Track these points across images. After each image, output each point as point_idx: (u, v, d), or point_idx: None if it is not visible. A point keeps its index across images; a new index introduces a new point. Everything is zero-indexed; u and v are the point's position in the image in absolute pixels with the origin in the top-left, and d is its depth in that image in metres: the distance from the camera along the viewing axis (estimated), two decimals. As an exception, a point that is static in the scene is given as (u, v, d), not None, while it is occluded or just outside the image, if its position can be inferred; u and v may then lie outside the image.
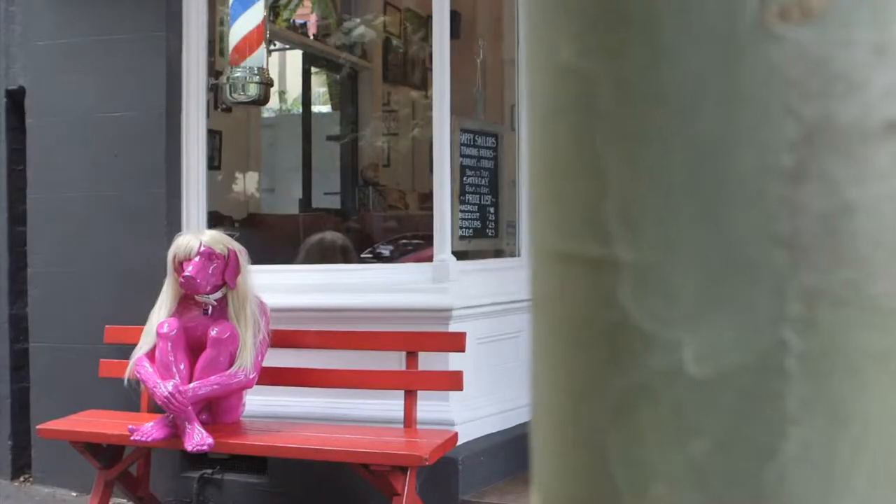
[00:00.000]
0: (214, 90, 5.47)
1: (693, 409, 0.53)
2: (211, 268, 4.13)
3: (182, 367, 4.14)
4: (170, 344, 4.11)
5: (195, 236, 4.21)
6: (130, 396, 4.65)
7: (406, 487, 3.85)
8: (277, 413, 4.61)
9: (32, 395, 5.25)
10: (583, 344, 0.55)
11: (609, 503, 0.54)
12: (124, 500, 4.75)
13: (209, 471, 4.78)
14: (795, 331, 0.52)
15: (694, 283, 0.52)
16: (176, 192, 4.97)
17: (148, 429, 4.10)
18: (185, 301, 4.26)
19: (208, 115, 5.14)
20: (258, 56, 4.84)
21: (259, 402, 4.66)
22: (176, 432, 4.08)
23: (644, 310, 0.53)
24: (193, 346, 4.20)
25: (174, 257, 4.19)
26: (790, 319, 0.52)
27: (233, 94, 4.84)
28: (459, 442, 4.23)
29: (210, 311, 4.22)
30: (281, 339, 4.51)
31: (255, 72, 4.84)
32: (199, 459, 4.76)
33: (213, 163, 5.48)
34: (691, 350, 0.53)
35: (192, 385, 4.07)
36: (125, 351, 4.71)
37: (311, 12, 7.95)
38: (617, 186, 0.53)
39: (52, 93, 5.18)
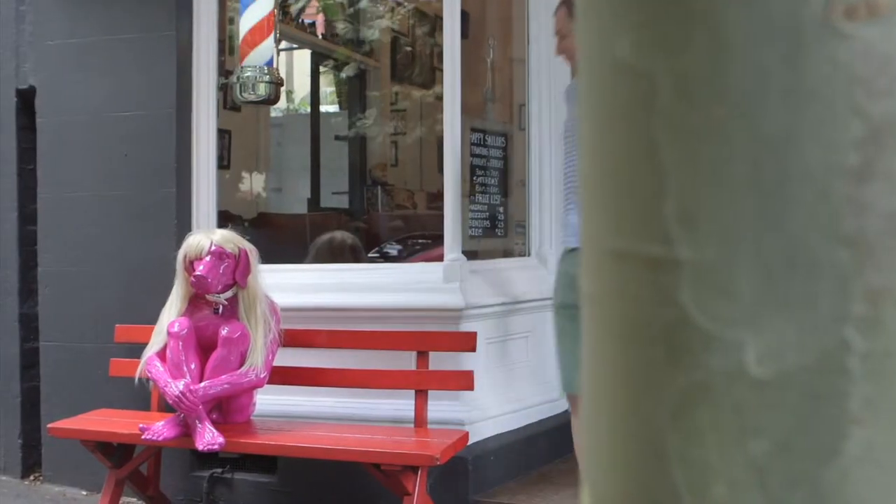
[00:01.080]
0: (224, 89, 5.47)
1: (754, 410, 0.52)
2: (222, 267, 4.13)
3: (193, 366, 4.14)
4: (180, 343, 4.11)
5: (206, 235, 4.21)
6: (141, 395, 4.66)
7: (417, 487, 3.85)
8: (288, 412, 4.61)
9: (43, 393, 5.26)
10: (641, 343, 0.55)
11: (668, 503, 0.54)
12: (134, 499, 4.75)
13: (219, 470, 4.79)
14: (859, 330, 0.52)
15: (755, 283, 0.52)
16: (186, 191, 4.97)
17: (159, 428, 4.10)
18: (196, 300, 4.26)
19: (218, 115, 5.14)
20: (267, 47, 4.82)
21: (269, 401, 4.65)
22: (187, 431, 4.08)
23: (704, 309, 0.53)
24: (204, 346, 4.20)
25: (185, 256, 4.19)
26: (853, 319, 0.52)
27: (243, 94, 4.83)
28: (470, 442, 4.23)
29: (220, 311, 4.22)
30: (291, 339, 4.50)
31: (265, 71, 4.84)
32: (209, 459, 4.76)
33: (222, 162, 5.48)
34: (753, 350, 0.52)
35: (202, 384, 4.07)
36: (135, 350, 4.71)
37: (318, 12, 7.95)
38: (676, 184, 0.52)
39: (63, 92, 5.19)
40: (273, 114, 7.36)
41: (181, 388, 3.99)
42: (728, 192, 0.52)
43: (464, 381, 4.24)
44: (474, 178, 5.07)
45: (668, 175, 0.53)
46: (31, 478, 5.37)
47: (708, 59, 0.51)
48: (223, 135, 5.42)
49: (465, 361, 4.40)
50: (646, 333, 0.54)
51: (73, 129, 5.15)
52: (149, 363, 4.17)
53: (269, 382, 4.34)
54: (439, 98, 7.75)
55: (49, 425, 4.52)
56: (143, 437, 4.10)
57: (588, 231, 0.58)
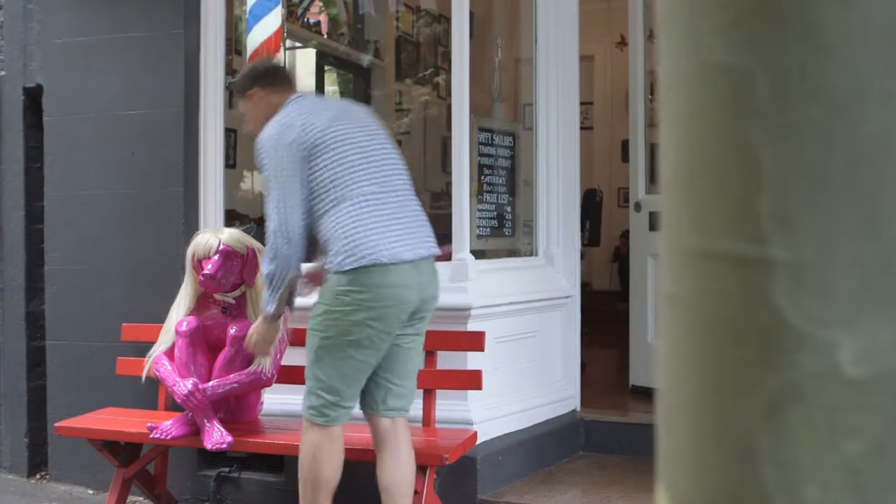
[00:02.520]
0: (230, 88, 5.46)
1: (848, 411, 0.52)
2: (230, 266, 4.13)
3: (201, 365, 4.14)
4: (189, 342, 4.11)
5: (214, 234, 4.21)
6: (148, 394, 4.66)
7: (425, 486, 3.85)
8: (295, 412, 4.55)
9: (49, 392, 5.24)
10: (731, 343, 0.54)
11: (757, 504, 0.54)
12: (141, 498, 4.75)
13: (226, 469, 4.78)
14: (956, 332, 0.52)
15: (852, 283, 0.52)
16: (193, 190, 4.97)
17: (167, 427, 4.10)
18: (204, 299, 4.26)
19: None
20: (276, 39, 4.82)
21: (277, 400, 4.65)
22: (195, 430, 4.08)
23: (799, 309, 0.52)
24: (212, 345, 4.20)
25: (193, 255, 4.19)
26: (951, 320, 0.52)
27: (250, 93, 4.80)
28: (478, 441, 4.22)
29: (229, 310, 4.22)
30: (299, 338, 4.49)
31: (273, 70, 4.82)
32: (216, 458, 4.76)
33: (228, 161, 5.46)
34: (848, 350, 0.52)
35: (211, 383, 4.08)
36: (142, 349, 4.71)
37: (320, 12, 7.94)
38: (771, 184, 0.52)
39: (70, 90, 5.18)
40: (278, 113, 7.33)
41: (189, 387, 3.99)
42: (825, 192, 0.52)
43: (472, 380, 4.23)
44: (482, 177, 5.06)
45: (763, 174, 0.52)
46: (38, 476, 5.36)
47: (806, 59, 0.51)
48: (228, 134, 5.40)
49: (471, 361, 4.40)
50: (736, 333, 0.54)
51: (81, 128, 5.15)
52: (157, 362, 4.18)
53: (277, 382, 4.34)
54: (443, 97, 7.76)
55: (56, 424, 4.52)
56: (151, 436, 4.10)
57: (672, 232, 0.57)
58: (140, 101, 5.00)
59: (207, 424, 4.04)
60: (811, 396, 0.53)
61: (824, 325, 0.52)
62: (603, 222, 8.46)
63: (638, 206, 5.79)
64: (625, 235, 9.17)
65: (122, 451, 4.41)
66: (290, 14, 6.84)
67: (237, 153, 6.09)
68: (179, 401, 4.07)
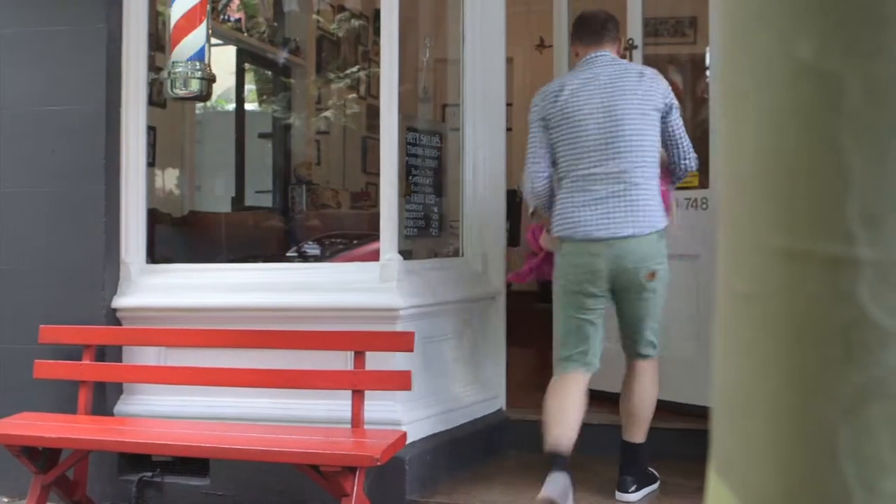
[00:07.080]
0: (153, 85, 5.36)
1: (930, 406, 0.53)
2: None
3: None
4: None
5: None
6: (66, 398, 4.55)
7: (355, 488, 3.83)
8: (220, 414, 4.54)
9: (-39, 396, 5.07)
10: (812, 341, 0.55)
11: (838, 499, 0.55)
12: (60, 505, 4.62)
13: (148, 473, 4.69)
14: None
15: (938, 281, 0.53)
16: (115, 188, 4.85)
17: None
18: None
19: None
20: (199, 36, 4.70)
21: (202, 403, 4.59)
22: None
23: (884, 307, 0.53)
24: None
25: None
26: None
27: (174, 89, 4.71)
28: (407, 441, 4.22)
29: None
30: (223, 339, 4.45)
31: (198, 66, 4.73)
32: (137, 462, 4.67)
33: (148, 159, 5.35)
34: (932, 347, 0.53)
35: None
36: (61, 351, 4.60)
37: (238, 10, 7.85)
38: (861, 185, 0.53)
39: (-14, 85, 5.02)
40: (197, 111, 7.23)
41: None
42: (915, 193, 0.53)
43: (402, 380, 4.22)
44: (409, 177, 5.06)
45: (852, 176, 0.53)
46: (-52, 484, 5.18)
47: (900, 63, 0.52)
48: (149, 131, 5.29)
49: (399, 361, 4.39)
50: (819, 331, 0.55)
51: (-3, 123, 4.99)
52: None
53: (202, 384, 4.30)
54: (364, 97, 7.74)
55: (-29, 429, 4.37)
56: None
57: (749, 230, 0.58)
58: (61, 96, 4.86)
59: None
60: (893, 391, 0.54)
61: (909, 323, 0.53)
62: (522, 223, 8.53)
63: (562, 208, 5.84)
64: (543, 236, 9.24)
65: (41, 456, 4.29)
66: (213, 10, 6.74)
67: (157, 151, 5.99)
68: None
